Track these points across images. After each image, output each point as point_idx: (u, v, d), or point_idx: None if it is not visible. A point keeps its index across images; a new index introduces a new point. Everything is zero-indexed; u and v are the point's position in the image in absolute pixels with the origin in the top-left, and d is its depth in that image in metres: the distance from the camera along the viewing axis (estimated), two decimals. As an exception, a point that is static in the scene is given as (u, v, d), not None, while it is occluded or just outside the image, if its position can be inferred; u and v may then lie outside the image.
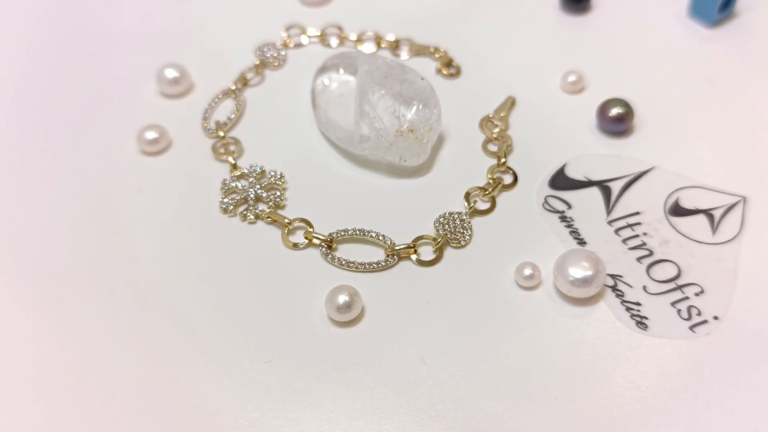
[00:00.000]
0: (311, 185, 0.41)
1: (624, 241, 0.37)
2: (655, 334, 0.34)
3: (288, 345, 0.35)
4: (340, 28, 0.48)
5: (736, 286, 0.36)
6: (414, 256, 0.37)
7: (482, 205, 0.39)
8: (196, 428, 0.32)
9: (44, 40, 0.49)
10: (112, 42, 0.48)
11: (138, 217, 0.39)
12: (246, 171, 0.41)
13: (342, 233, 0.38)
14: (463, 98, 0.44)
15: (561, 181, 0.40)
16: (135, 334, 0.35)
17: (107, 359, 0.34)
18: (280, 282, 0.37)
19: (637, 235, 0.38)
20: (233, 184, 0.40)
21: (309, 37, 0.48)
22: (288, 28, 0.48)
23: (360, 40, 0.48)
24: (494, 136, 0.42)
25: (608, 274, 0.36)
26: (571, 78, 0.44)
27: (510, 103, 0.44)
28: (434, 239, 0.37)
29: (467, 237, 0.38)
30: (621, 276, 0.36)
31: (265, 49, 0.47)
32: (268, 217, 0.39)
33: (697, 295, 0.35)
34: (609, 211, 0.39)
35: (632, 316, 0.35)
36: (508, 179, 0.40)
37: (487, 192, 0.39)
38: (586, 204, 0.39)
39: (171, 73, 0.45)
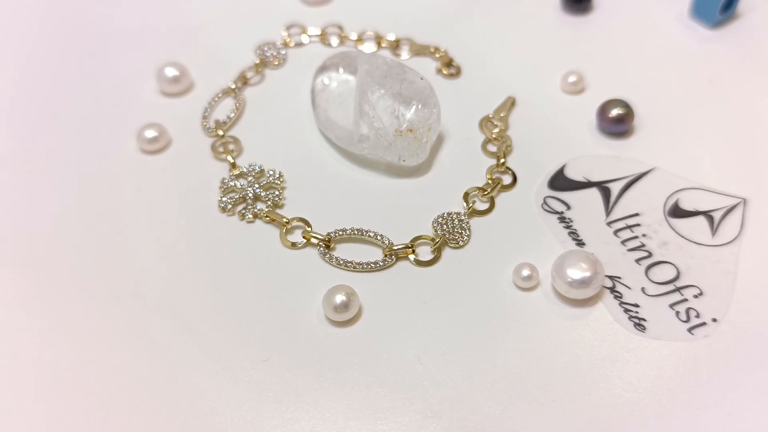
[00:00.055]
0: (310, 184, 0.40)
1: (623, 242, 0.37)
2: (653, 336, 0.34)
3: (285, 344, 0.34)
4: (340, 28, 0.48)
5: (736, 289, 0.36)
6: (412, 256, 0.37)
7: (481, 206, 0.39)
8: (192, 427, 0.32)
9: (45, 39, 0.49)
10: (113, 40, 0.48)
11: (137, 215, 0.39)
12: (245, 170, 0.41)
13: (340, 233, 0.38)
14: (463, 98, 0.44)
15: (560, 181, 0.40)
16: (132, 331, 0.35)
17: (104, 357, 0.34)
18: (277, 281, 0.37)
19: (636, 237, 0.37)
20: (232, 183, 0.40)
21: (309, 36, 0.48)
22: (289, 28, 0.48)
23: (360, 39, 0.48)
24: (494, 136, 0.42)
25: (607, 276, 0.36)
26: (572, 78, 0.44)
27: (510, 104, 0.44)
28: (432, 239, 0.37)
29: (465, 237, 0.38)
30: (619, 277, 0.36)
31: (266, 48, 0.47)
32: (267, 216, 0.39)
33: (696, 297, 0.35)
34: (608, 213, 0.38)
35: (630, 317, 0.35)
36: (507, 180, 0.40)
37: (486, 192, 0.39)
38: (585, 205, 0.39)
39: (171, 72, 0.45)
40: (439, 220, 0.38)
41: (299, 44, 0.48)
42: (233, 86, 0.45)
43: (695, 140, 0.41)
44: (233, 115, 0.43)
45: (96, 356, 0.34)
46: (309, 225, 0.38)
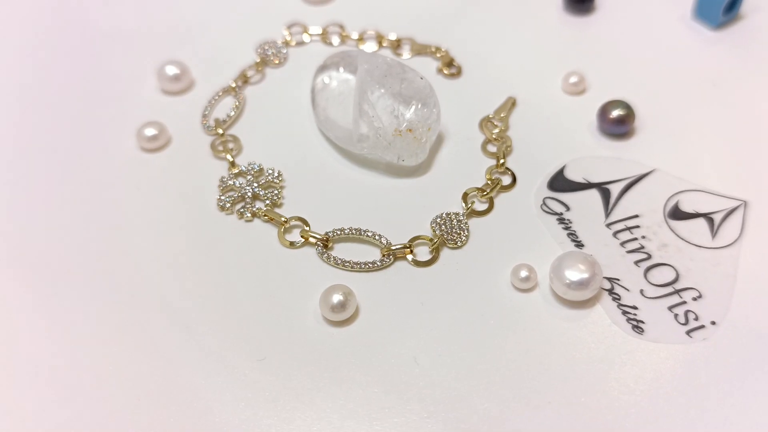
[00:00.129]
0: (309, 184, 0.40)
1: (622, 244, 0.37)
2: (651, 338, 0.34)
3: (282, 343, 0.34)
4: (341, 27, 0.48)
5: (735, 292, 0.35)
6: (410, 257, 0.37)
7: (480, 206, 0.39)
8: (188, 425, 0.32)
9: (45, 38, 0.49)
10: (114, 39, 0.48)
11: (136, 213, 0.39)
12: (244, 169, 0.41)
13: (338, 232, 0.38)
14: (464, 98, 0.44)
15: (560, 182, 0.40)
16: (129, 329, 0.35)
17: (101, 355, 0.34)
18: (275, 280, 0.37)
19: (635, 239, 0.37)
20: (231, 182, 0.40)
21: (311, 35, 0.48)
22: (290, 26, 0.48)
23: (361, 39, 0.48)
24: (494, 136, 0.42)
25: (605, 277, 0.36)
26: (573, 79, 0.44)
27: (510, 104, 0.43)
28: (431, 239, 0.37)
29: (464, 238, 0.37)
30: (618, 279, 0.36)
31: (267, 47, 0.47)
32: (265, 215, 0.39)
33: (695, 299, 0.35)
34: (608, 214, 0.38)
35: (628, 320, 0.35)
36: (506, 180, 0.40)
37: (485, 193, 0.39)
38: (584, 206, 0.39)
39: (171, 70, 0.45)
40: (438, 220, 0.38)
41: (300, 43, 0.48)
42: (234, 85, 0.45)
43: (696, 142, 0.41)
44: (233, 113, 0.43)
45: (92, 354, 0.34)
46: (307, 224, 0.38)
